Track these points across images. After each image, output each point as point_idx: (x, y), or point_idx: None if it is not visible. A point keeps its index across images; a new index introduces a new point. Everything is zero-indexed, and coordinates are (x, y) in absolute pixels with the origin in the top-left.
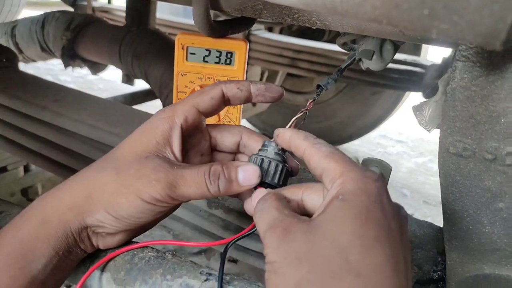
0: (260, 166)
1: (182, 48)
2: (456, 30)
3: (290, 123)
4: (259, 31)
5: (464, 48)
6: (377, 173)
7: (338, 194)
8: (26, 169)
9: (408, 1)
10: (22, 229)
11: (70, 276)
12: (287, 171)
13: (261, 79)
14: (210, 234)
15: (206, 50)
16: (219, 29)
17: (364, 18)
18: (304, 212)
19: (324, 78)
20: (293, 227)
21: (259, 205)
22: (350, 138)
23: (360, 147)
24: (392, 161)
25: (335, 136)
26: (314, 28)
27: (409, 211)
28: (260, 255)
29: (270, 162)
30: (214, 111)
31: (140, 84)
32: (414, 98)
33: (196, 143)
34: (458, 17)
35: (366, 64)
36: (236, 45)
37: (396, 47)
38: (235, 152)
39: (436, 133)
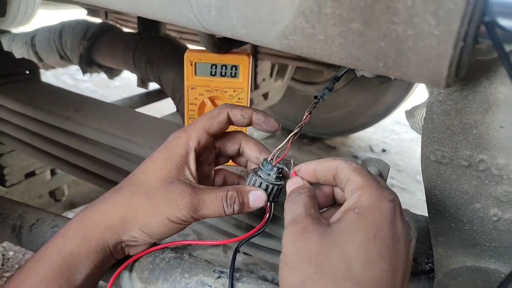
0: (265, 189)
1: (191, 64)
2: (407, 76)
3: (287, 139)
4: None
5: None
6: (394, 193)
7: (354, 206)
8: (53, 173)
9: (366, 55)
10: (64, 248)
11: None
12: (280, 189)
13: (271, 73)
14: (223, 231)
15: (213, 65)
16: (223, 46)
17: (335, 63)
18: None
19: (321, 89)
20: (311, 227)
21: (293, 195)
22: (363, 126)
23: (374, 134)
24: (406, 147)
25: (346, 125)
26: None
27: (422, 197)
28: (270, 251)
29: (273, 187)
30: (222, 131)
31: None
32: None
33: (205, 158)
34: (406, 69)
35: (360, 72)
36: (240, 59)
37: None
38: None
39: None
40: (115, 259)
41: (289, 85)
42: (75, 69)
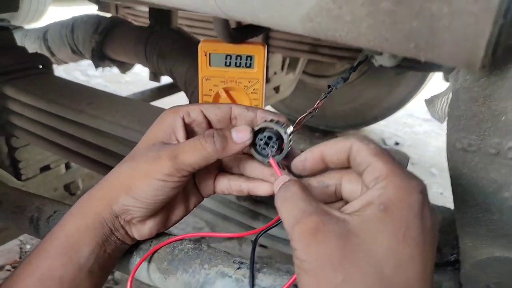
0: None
1: (205, 55)
2: (439, 58)
3: (297, 121)
4: None
5: None
6: (422, 182)
7: (379, 200)
8: (67, 167)
9: (396, 36)
10: (67, 224)
11: (120, 268)
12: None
13: (282, 67)
14: (239, 223)
15: (227, 55)
16: (238, 36)
17: (361, 46)
18: (339, 198)
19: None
20: (323, 226)
21: (281, 192)
22: (375, 119)
23: (387, 127)
24: (420, 140)
25: (360, 117)
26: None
27: (438, 190)
28: (288, 242)
29: (275, 134)
30: (218, 121)
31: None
32: (439, 77)
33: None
34: (439, 50)
35: (379, 61)
36: (255, 49)
37: None
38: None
39: None
40: (121, 241)
41: (301, 78)
42: (86, 64)
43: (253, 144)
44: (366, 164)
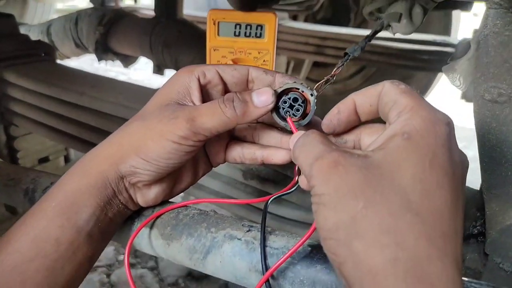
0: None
1: (214, 24)
2: None
3: (315, 87)
4: (283, 20)
5: None
6: (449, 116)
7: (402, 130)
8: (67, 159)
9: None
10: (66, 184)
11: (119, 237)
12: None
13: (286, 69)
14: (247, 205)
15: (237, 24)
16: (249, 3)
17: None
18: None
19: (351, 46)
20: (344, 160)
21: (300, 140)
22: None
23: None
24: None
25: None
26: None
27: None
28: (297, 223)
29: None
30: (235, 84)
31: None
32: (445, 83)
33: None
34: None
35: (395, 29)
36: (266, 18)
37: (425, 11)
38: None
39: (470, 119)
40: (124, 205)
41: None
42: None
43: (274, 108)
44: (392, 102)
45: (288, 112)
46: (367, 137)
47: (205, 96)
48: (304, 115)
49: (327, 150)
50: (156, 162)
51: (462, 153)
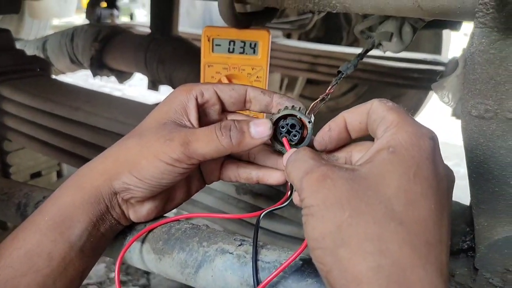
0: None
1: (208, 40)
2: None
3: (310, 107)
4: (277, 38)
5: (481, 15)
6: (433, 131)
7: (388, 144)
8: (59, 175)
9: None
10: (60, 198)
11: (111, 251)
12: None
13: (280, 87)
14: (239, 221)
15: (231, 41)
16: (243, 20)
17: None
18: None
19: (344, 64)
20: (332, 173)
21: (291, 156)
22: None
23: None
24: None
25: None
26: (334, 12)
27: None
28: (289, 238)
29: (295, 106)
30: (233, 104)
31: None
32: (436, 101)
33: (214, 121)
34: None
35: (385, 47)
36: (260, 35)
37: (415, 30)
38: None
39: (461, 137)
40: (116, 220)
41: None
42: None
43: (273, 137)
44: (380, 119)
45: (285, 137)
46: (357, 154)
47: (202, 115)
48: (301, 140)
49: (317, 165)
50: (148, 181)
51: (448, 167)
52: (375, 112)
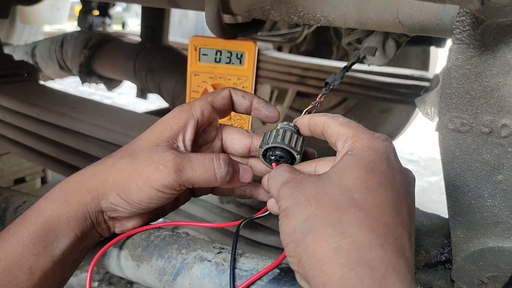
0: (279, 134)
1: (195, 49)
2: None
3: (302, 114)
4: (268, 51)
5: (458, 31)
6: (386, 136)
7: (348, 151)
8: (44, 181)
9: None
10: (45, 210)
11: (88, 257)
12: (303, 140)
13: (270, 99)
14: (222, 230)
15: (218, 51)
16: (230, 31)
17: None
18: None
19: (331, 76)
20: (304, 180)
21: (271, 173)
22: None
23: None
24: None
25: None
26: (318, 25)
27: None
28: (271, 248)
29: (285, 131)
30: (225, 111)
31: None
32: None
33: (210, 140)
34: None
35: (370, 60)
36: (246, 46)
37: (398, 45)
38: (246, 157)
39: None
40: (99, 234)
41: (288, 114)
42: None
43: (264, 155)
44: (336, 134)
45: (275, 162)
46: (322, 169)
47: (201, 132)
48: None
49: (291, 176)
50: (137, 204)
51: (404, 167)
52: (329, 127)
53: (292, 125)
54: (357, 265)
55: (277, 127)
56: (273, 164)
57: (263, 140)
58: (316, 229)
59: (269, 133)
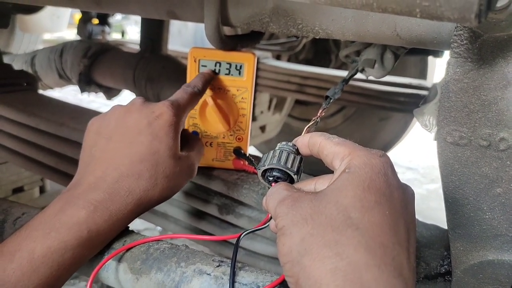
0: (276, 155)
1: (195, 61)
2: (436, 6)
3: (304, 131)
4: (267, 59)
5: (456, 45)
6: (383, 152)
7: (345, 168)
8: (42, 190)
9: None
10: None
11: (87, 270)
12: (301, 159)
13: (269, 107)
14: (222, 241)
15: (217, 62)
16: (229, 42)
17: (357, 6)
18: None
19: (331, 89)
20: (301, 198)
21: (269, 191)
22: None
23: None
24: None
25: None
26: (317, 37)
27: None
28: (270, 259)
29: (282, 151)
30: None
31: None
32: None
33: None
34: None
35: (368, 72)
36: (245, 57)
37: (396, 57)
38: None
39: None
40: None
41: (286, 122)
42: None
43: (263, 175)
44: (332, 154)
45: (274, 182)
46: (321, 187)
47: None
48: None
49: (289, 194)
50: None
51: (403, 183)
52: (325, 148)
53: (291, 144)
54: (353, 287)
55: (276, 148)
56: (272, 184)
57: (260, 161)
58: (313, 250)
59: (267, 154)
